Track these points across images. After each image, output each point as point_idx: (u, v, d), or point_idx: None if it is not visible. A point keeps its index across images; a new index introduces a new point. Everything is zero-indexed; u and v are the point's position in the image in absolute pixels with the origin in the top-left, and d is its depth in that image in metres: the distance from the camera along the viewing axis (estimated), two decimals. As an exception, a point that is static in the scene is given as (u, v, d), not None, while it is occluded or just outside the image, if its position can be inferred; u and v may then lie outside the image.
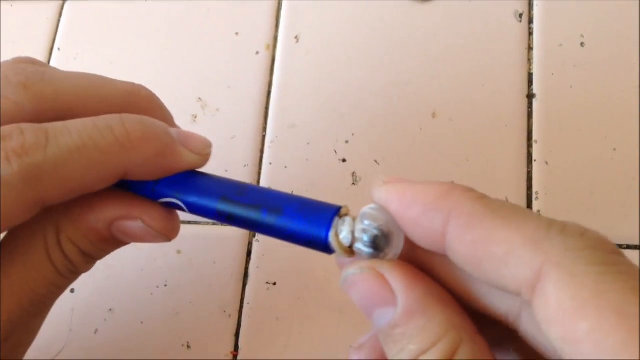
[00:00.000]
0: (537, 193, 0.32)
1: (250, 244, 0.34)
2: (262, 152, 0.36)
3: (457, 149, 0.34)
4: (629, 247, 0.31)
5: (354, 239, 0.19)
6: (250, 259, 0.34)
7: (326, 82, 0.36)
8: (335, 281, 0.32)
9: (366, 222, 0.18)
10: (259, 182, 0.35)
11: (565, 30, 0.35)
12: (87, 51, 0.40)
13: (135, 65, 0.39)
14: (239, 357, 0.32)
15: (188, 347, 0.32)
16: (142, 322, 0.33)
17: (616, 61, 0.34)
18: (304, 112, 0.36)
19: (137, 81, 0.38)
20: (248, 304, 0.33)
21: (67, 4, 0.41)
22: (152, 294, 0.33)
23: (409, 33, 0.36)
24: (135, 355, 0.33)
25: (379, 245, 0.18)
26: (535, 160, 0.33)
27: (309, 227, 0.19)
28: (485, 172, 0.33)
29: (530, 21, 0.35)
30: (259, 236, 0.34)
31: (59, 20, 0.41)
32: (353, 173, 0.34)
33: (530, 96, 0.34)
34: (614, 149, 0.32)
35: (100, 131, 0.21)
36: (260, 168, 0.35)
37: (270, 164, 0.35)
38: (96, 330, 0.33)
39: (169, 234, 0.23)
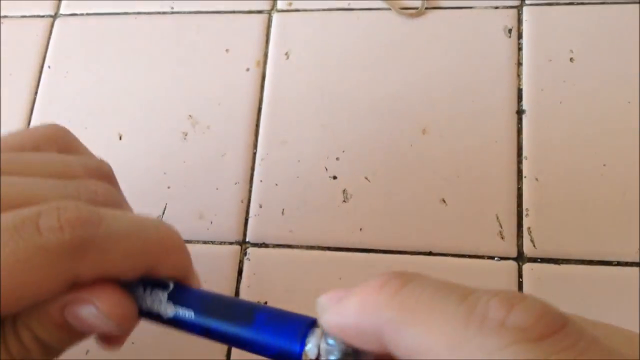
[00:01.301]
0: (527, 210, 0.32)
1: (241, 262, 0.34)
2: (252, 169, 0.36)
3: (447, 165, 0.34)
4: (619, 263, 0.31)
5: (319, 355, 0.18)
6: (241, 278, 0.34)
7: (316, 98, 0.36)
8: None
9: (330, 341, 0.18)
10: (249, 200, 0.35)
11: (554, 45, 0.35)
12: (78, 69, 0.40)
13: (126, 83, 0.39)
14: (230, 378, 0.32)
15: (179, 367, 0.32)
16: (133, 343, 0.33)
17: (606, 76, 0.34)
18: (295, 129, 0.36)
19: (127, 99, 0.38)
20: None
21: (57, 22, 0.41)
22: (142, 314, 0.33)
23: (399, 49, 0.36)
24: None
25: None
26: (525, 177, 0.33)
27: (282, 341, 0.19)
28: (476, 189, 0.33)
29: (520, 36, 0.35)
30: (250, 255, 0.34)
31: (49, 38, 0.41)
32: (344, 190, 0.34)
33: (520, 112, 0.34)
34: (604, 165, 0.32)
35: (148, 227, 0.22)
36: (250, 185, 0.35)
37: (261, 181, 0.35)
38: (87, 352, 0.33)
39: (122, 321, 0.22)
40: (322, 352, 0.18)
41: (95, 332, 0.22)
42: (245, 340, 0.20)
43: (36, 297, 0.20)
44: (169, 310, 0.22)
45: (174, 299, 0.22)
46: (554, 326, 0.14)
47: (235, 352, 0.32)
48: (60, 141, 0.26)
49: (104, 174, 0.26)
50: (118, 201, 0.25)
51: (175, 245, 0.23)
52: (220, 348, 0.32)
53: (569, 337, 0.14)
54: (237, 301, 0.22)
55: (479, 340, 0.14)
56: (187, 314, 0.21)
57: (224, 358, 0.32)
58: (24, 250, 0.19)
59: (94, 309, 0.21)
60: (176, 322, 0.22)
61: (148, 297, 0.22)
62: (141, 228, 0.22)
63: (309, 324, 0.19)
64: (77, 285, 0.21)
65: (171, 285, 0.22)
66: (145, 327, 0.33)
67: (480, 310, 0.14)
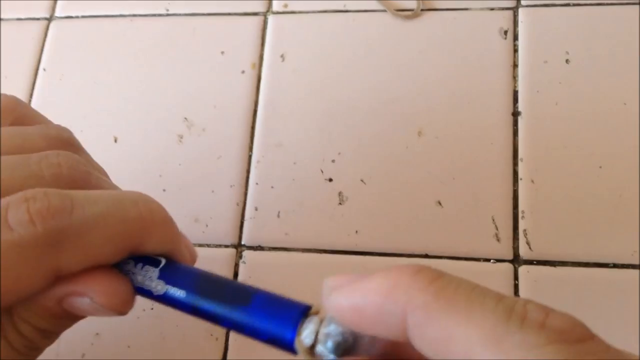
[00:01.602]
0: (523, 212, 0.32)
1: (237, 266, 0.34)
2: (248, 172, 0.36)
3: (443, 167, 0.34)
4: (615, 265, 0.31)
5: (316, 341, 0.18)
6: (237, 281, 0.33)
7: (312, 100, 0.36)
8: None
9: (332, 327, 0.18)
10: (245, 203, 0.35)
11: (550, 47, 0.35)
12: (73, 71, 0.40)
13: (121, 85, 0.39)
14: (225, 381, 0.32)
15: (175, 371, 0.32)
16: (128, 346, 0.33)
17: (601, 78, 0.34)
18: (291, 132, 0.36)
19: (122, 101, 0.38)
20: (235, 326, 0.33)
21: (52, 24, 0.41)
22: (138, 317, 0.33)
23: (395, 51, 0.36)
24: (122, 379, 0.32)
25: (343, 351, 0.17)
26: (521, 179, 0.33)
27: (275, 326, 0.19)
28: (472, 191, 0.33)
29: (515, 38, 0.35)
30: (245, 258, 0.34)
31: (44, 41, 0.41)
32: (340, 192, 0.34)
33: (515, 114, 0.34)
34: (600, 167, 0.32)
35: (125, 204, 0.21)
36: (246, 188, 0.35)
37: (257, 184, 0.35)
38: (83, 355, 0.33)
39: (119, 309, 0.21)
40: (320, 338, 0.18)
41: (96, 315, 0.22)
42: (236, 323, 0.19)
43: (20, 293, 0.19)
44: (160, 287, 0.21)
45: (165, 275, 0.21)
46: (588, 334, 0.14)
47: (232, 352, 0.32)
48: (14, 113, 0.25)
49: (66, 142, 0.25)
50: (85, 170, 0.23)
51: (158, 219, 0.22)
52: (216, 349, 0.32)
53: (601, 345, 0.14)
54: (231, 283, 0.21)
55: (520, 337, 0.14)
56: (179, 292, 0.21)
57: (220, 358, 0.32)
58: None
59: (91, 301, 0.21)
60: (167, 300, 0.21)
61: (139, 273, 0.21)
62: (118, 207, 0.21)
63: (303, 311, 0.19)
64: (67, 276, 0.20)
65: (162, 262, 0.22)
66: (141, 327, 0.33)
67: (520, 310, 0.15)
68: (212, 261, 0.34)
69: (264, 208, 0.35)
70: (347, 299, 0.17)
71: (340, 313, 0.17)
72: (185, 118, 0.37)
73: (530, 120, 0.34)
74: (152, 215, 0.22)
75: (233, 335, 0.32)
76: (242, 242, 0.34)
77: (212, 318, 0.20)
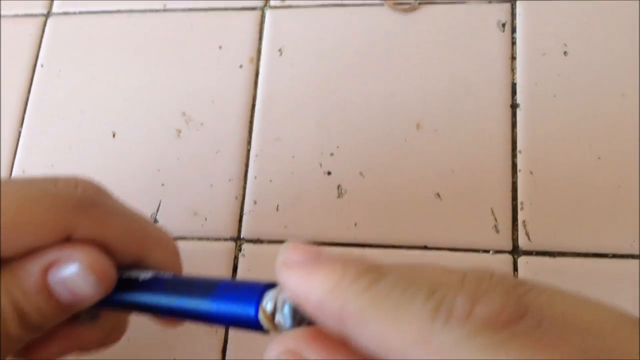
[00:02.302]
0: (522, 203, 0.32)
1: (236, 259, 0.34)
2: (247, 165, 0.36)
3: (441, 160, 0.34)
4: (614, 256, 0.31)
5: (275, 309, 0.18)
6: (236, 274, 0.33)
7: (310, 94, 0.36)
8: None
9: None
10: (244, 196, 0.35)
11: (548, 39, 0.35)
12: (71, 67, 0.40)
13: (119, 81, 0.39)
14: (225, 374, 0.32)
15: (174, 364, 0.32)
16: (128, 340, 0.33)
17: (599, 70, 0.34)
18: (289, 125, 0.36)
19: (120, 97, 0.38)
20: (234, 320, 0.32)
21: (50, 20, 0.41)
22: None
23: (393, 44, 0.36)
24: (121, 373, 0.32)
25: (301, 319, 0.18)
26: (520, 170, 0.33)
27: (240, 304, 0.19)
28: (470, 183, 0.33)
29: (513, 30, 0.35)
30: (245, 251, 0.34)
31: (42, 37, 0.41)
32: (338, 186, 0.34)
33: (514, 106, 0.34)
34: (599, 158, 0.32)
35: (149, 222, 0.25)
36: (245, 182, 0.35)
37: (255, 177, 0.35)
38: None
39: (102, 279, 0.22)
40: (279, 305, 0.18)
41: (75, 298, 0.22)
42: (205, 313, 0.20)
43: (35, 238, 0.21)
44: (138, 274, 0.23)
45: (147, 285, 0.22)
46: (515, 315, 0.14)
47: (231, 351, 0.32)
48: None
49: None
50: None
51: (170, 244, 0.25)
52: (215, 347, 0.32)
53: (533, 320, 0.14)
54: (201, 278, 0.22)
55: (444, 335, 0.14)
56: (154, 298, 0.22)
57: (220, 357, 0.32)
58: (37, 192, 0.21)
59: (76, 267, 0.21)
60: (144, 307, 0.22)
61: (125, 274, 0.23)
62: (143, 219, 0.24)
63: (266, 286, 0.19)
64: (58, 244, 0.22)
65: (150, 274, 0.23)
66: (140, 326, 0.33)
67: (448, 305, 0.15)
68: (211, 254, 0.34)
69: (262, 201, 0.35)
70: (294, 283, 0.17)
71: (289, 291, 0.18)
72: (184, 113, 0.37)
73: (528, 113, 0.34)
74: (167, 239, 0.25)
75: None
76: (242, 236, 0.34)
77: (187, 316, 0.21)
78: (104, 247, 0.22)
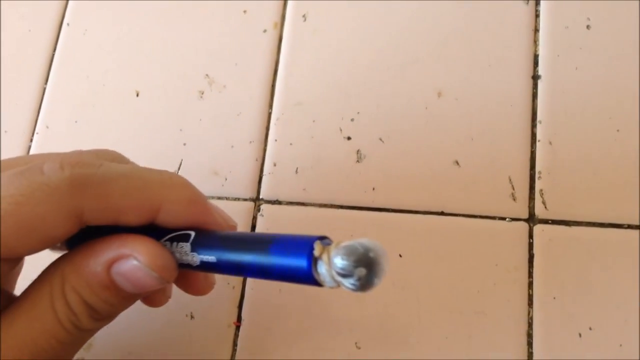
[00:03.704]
0: (540, 172, 0.32)
1: (254, 219, 0.34)
2: (267, 129, 0.36)
3: (461, 128, 0.34)
4: (630, 226, 0.31)
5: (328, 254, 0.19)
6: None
7: (333, 60, 0.37)
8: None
9: (344, 245, 0.18)
10: (264, 158, 0.35)
11: (571, 12, 0.35)
12: (96, 27, 0.40)
13: (144, 41, 0.39)
14: (241, 328, 0.32)
15: (192, 317, 0.33)
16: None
17: (621, 44, 0.34)
18: (310, 90, 0.36)
19: (145, 57, 0.38)
20: (251, 276, 0.33)
21: (76, -20, 0.41)
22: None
23: (417, 13, 0.37)
24: (139, 326, 0.33)
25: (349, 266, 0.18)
26: (539, 140, 0.33)
27: (295, 255, 0.20)
28: (490, 152, 0.33)
29: (537, 3, 0.36)
30: (263, 211, 0.34)
31: (68, -4, 0.41)
32: (358, 151, 0.35)
33: (535, 77, 0.34)
34: (618, 130, 0.33)
35: (148, 170, 0.23)
36: (265, 145, 0.36)
37: (276, 140, 0.36)
38: None
39: (163, 273, 0.23)
40: (333, 255, 0.18)
41: (140, 290, 0.23)
42: (263, 269, 0.20)
43: (44, 231, 0.21)
44: (195, 259, 0.23)
45: (197, 247, 0.23)
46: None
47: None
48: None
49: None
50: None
51: (178, 182, 0.24)
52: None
53: None
54: (253, 235, 0.22)
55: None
56: (210, 258, 0.22)
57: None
58: (27, 186, 0.20)
59: (136, 262, 0.22)
60: (204, 268, 0.23)
61: (176, 251, 0.23)
62: (141, 169, 0.23)
63: (319, 237, 0.19)
64: (117, 240, 0.22)
65: (192, 235, 0.23)
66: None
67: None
68: (230, 213, 0.34)
69: (282, 164, 0.35)
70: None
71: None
72: (207, 75, 0.38)
73: (550, 84, 0.34)
74: (172, 179, 0.24)
75: (249, 283, 0.33)
76: (260, 196, 0.35)
77: (242, 270, 0.22)
78: (121, 217, 0.22)
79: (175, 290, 0.33)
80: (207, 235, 0.23)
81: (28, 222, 0.20)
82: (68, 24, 0.40)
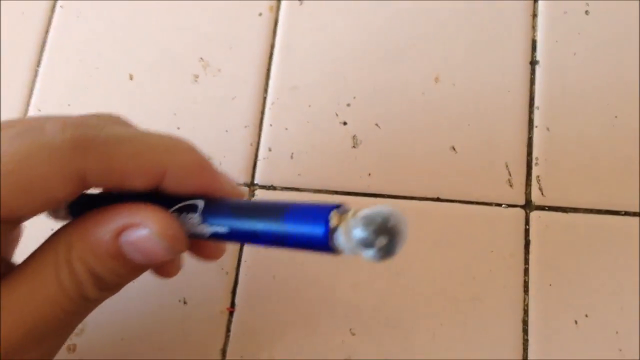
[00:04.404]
0: (537, 158, 0.32)
1: (249, 204, 0.34)
2: (262, 113, 0.36)
3: (458, 113, 0.34)
4: (627, 213, 0.31)
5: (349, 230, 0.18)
6: (248, 218, 0.34)
7: (329, 45, 0.36)
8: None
9: (362, 213, 0.18)
10: (259, 143, 0.35)
11: (570, -2, 0.35)
12: (89, 9, 0.39)
13: (138, 24, 0.38)
14: (235, 314, 0.32)
15: (184, 302, 0.32)
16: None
17: (619, 30, 0.34)
18: (306, 75, 0.36)
19: (138, 40, 0.38)
20: (245, 261, 0.33)
21: (69, -38, 0.41)
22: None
23: (414, -3, 0.36)
24: (132, 311, 0.33)
25: (376, 228, 0.17)
26: (536, 126, 0.33)
27: (312, 220, 0.19)
28: (487, 137, 0.33)
29: (536, -12, 0.35)
30: (257, 196, 0.34)
31: (61, -22, 0.40)
32: (354, 136, 0.34)
33: (533, 63, 0.34)
34: (615, 117, 0.32)
35: (153, 134, 0.23)
36: (260, 129, 0.35)
37: (271, 125, 0.35)
38: None
39: (174, 243, 0.22)
40: (351, 218, 0.18)
41: (149, 260, 0.22)
42: (278, 237, 0.20)
43: (45, 192, 0.20)
44: (206, 230, 0.22)
45: (207, 217, 0.22)
46: None
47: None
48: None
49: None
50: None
51: (182, 146, 0.23)
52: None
53: None
54: (266, 204, 0.21)
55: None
56: (222, 230, 0.21)
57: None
58: (28, 146, 0.20)
59: (147, 230, 0.21)
60: (216, 238, 0.22)
61: (186, 223, 0.22)
62: (145, 133, 0.23)
63: (336, 205, 0.19)
64: (127, 208, 0.22)
65: (201, 205, 0.22)
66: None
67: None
68: (224, 198, 0.34)
69: (277, 149, 0.35)
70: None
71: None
72: (201, 58, 0.37)
73: (547, 70, 0.34)
74: (178, 143, 0.23)
75: (243, 269, 0.33)
76: (255, 182, 0.34)
77: (255, 239, 0.21)
78: (124, 180, 0.22)
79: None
80: (217, 205, 0.22)
81: (29, 182, 0.20)
82: (61, 7, 0.40)
